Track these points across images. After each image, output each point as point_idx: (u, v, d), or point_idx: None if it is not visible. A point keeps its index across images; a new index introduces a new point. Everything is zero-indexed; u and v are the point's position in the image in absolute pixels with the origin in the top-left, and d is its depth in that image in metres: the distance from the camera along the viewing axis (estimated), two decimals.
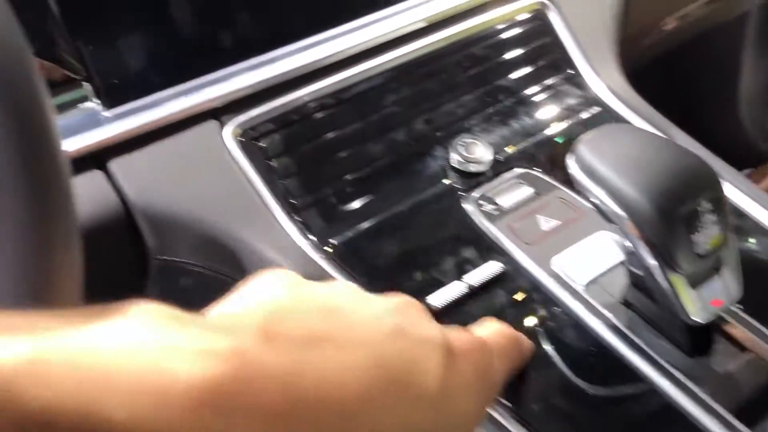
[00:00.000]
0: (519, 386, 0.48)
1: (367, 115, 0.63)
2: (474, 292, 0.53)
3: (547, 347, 0.50)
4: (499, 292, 0.53)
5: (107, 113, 0.57)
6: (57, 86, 0.57)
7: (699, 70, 1.22)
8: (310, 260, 0.56)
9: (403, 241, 0.57)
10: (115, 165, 0.56)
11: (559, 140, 0.66)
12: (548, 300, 0.53)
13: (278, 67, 0.61)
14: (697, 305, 0.46)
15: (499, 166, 0.63)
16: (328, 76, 0.63)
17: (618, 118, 0.68)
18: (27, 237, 0.30)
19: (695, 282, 0.46)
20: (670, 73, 1.17)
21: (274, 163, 0.59)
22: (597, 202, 0.47)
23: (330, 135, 0.61)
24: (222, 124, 0.59)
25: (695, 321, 0.46)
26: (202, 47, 0.60)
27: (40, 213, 0.30)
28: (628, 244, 0.47)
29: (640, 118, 0.67)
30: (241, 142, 0.59)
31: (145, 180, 0.56)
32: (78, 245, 0.33)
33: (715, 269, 0.47)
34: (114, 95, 0.57)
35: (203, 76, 0.59)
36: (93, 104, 0.57)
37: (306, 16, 0.63)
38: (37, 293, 0.31)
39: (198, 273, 0.58)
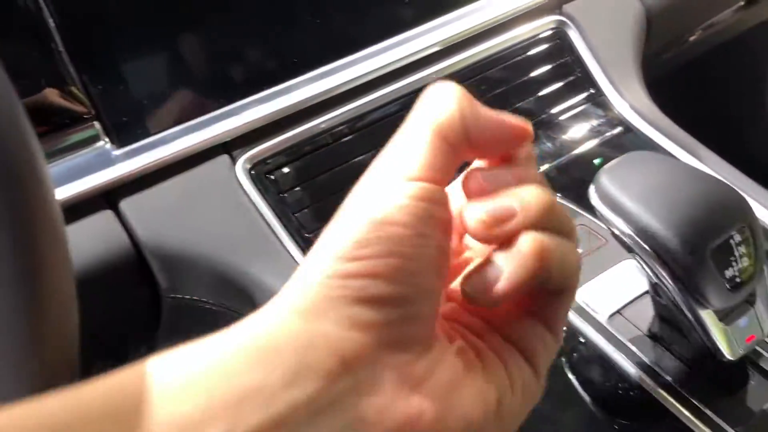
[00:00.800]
0: (545, 423, 0.46)
1: (383, 143, 0.61)
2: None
3: (573, 383, 0.48)
4: None
5: (117, 152, 0.56)
6: (69, 125, 0.56)
7: (724, 79, 1.19)
8: None
9: None
10: (126, 204, 0.55)
11: (597, 162, 0.64)
12: (572, 333, 0.51)
13: (289, 98, 0.60)
14: (729, 341, 0.44)
15: None
16: (342, 105, 0.62)
17: (642, 138, 0.65)
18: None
19: (727, 317, 0.44)
20: (693, 83, 1.14)
21: (287, 197, 0.58)
22: (620, 235, 0.45)
23: (344, 165, 0.60)
24: (233, 159, 0.58)
25: (728, 358, 0.44)
26: (210, 82, 0.59)
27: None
28: (653, 277, 0.45)
29: (665, 138, 0.65)
30: (252, 176, 0.58)
31: (156, 219, 0.55)
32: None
33: (749, 302, 0.45)
34: (124, 133, 0.56)
35: (213, 111, 0.58)
36: (103, 143, 0.56)
37: (317, 45, 0.62)
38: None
39: (211, 311, 0.57)
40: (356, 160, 0.60)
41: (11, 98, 0.30)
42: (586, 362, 0.50)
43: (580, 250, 0.56)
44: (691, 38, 0.88)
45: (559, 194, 0.60)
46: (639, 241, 0.43)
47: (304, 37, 0.61)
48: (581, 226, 0.57)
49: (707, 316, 0.43)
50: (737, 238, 0.42)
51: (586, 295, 0.53)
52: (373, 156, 0.63)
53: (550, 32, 0.70)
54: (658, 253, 0.42)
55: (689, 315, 0.43)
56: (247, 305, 0.55)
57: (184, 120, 0.57)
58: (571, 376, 0.49)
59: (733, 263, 0.42)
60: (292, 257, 0.56)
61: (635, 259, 0.49)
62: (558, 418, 0.48)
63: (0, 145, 0.29)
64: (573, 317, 0.51)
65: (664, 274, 0.43)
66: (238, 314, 0.56)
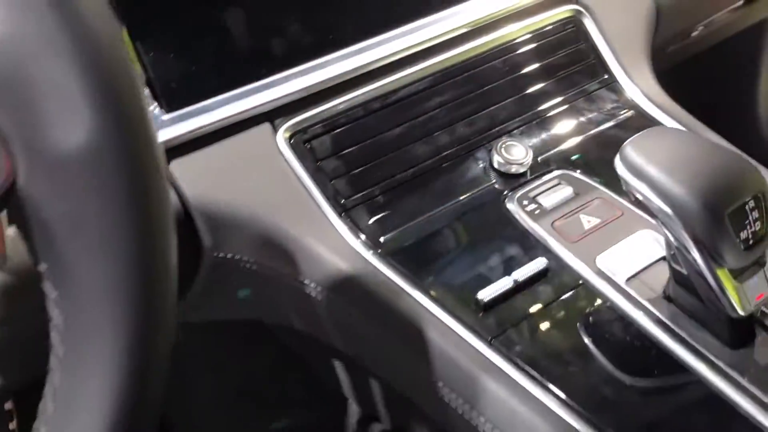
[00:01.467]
0: (568, 376, 0.50)
1: (412, 118, 0.65)
2: (521, 288, 0.55)
3: (593, 339, 0.52)
4: (544, 287, 0.55)
5: (166, 116, 0.59)
6: None
7: (718, 76, 1.24)
8: (361, 258, 0.58)
9: (450, 240, 0.60)
10: (174, 166, 0.58)
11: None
12: (592, 294, 0.55)
13: (327, 72, 0.63)
14: (741, 299, 0.48)
15: (538, 168, 0.65)
16: (375, 81, 0.65)
17: (653, 122, 0.70)
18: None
19: (739, 276, 0.48)
20: (690, 78, 1.19)
21: (323, 164, 0.61)
22: (645, 201, 0.49)
23: (376, 137, 0.64)
24: (275, 127, 0.62)
25: (739, 314, 0.48)
26: (256, 52, 0.62)
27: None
28: (672, 240, 0.49)
29: (675, 122, 0.69)
30: (292, 144, 0.61)
31: (203, 180, 0.58)
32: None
33: (759, 263, 0.49)
34: (172, 99, 0.59)
35: (257, 81, 0.61)
36: (153, 107, 0.59)
37: (353, 23, 0.65)
38: None
39: (251, 270, 0.60)
40: (385, 134, 0.64)
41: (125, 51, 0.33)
42: (606, 321, 0.54)
43: (599, 220, 0.60)
44: (693, 34, 0.93)
45: (578, 170, 0.64)
46: (662, 205, 0.47)
47: (342, 15, 0.65)
48: (598, 198, 0.62)
49: (723, 275, 0.48)
50: (751, 204, 0.47)
51: (604, 261, 0.57)
52: (403, 130, 0.66)
53: (566, 20, 0.74)
54: (679, 216, 0.47)
55: (707, 273, 0.48)
56: (288, 265, 0.59)
57: (230, 89, 0.61)
58: (589, 335, 0.53)
59: (747, 226, 0.47)
60: (329, 220, 0.59)
61: (656, 223, 0.53)
62: (577, 376, 0.51)
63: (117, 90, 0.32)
64: (592, 280, 0.56)
65: (685, 235, 0.47)
66: (277, 273, 0.60)
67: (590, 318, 0.54)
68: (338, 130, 0.63)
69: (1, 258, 0.38)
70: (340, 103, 0.64)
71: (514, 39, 0.71)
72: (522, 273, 0.55)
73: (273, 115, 0.62)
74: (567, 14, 0.74)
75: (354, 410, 0.77)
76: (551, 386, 0.49)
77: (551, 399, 0.48)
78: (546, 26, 0.73)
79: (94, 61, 0.31)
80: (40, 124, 0.30)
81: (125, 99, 0.33)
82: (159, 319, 0.34)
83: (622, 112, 0.71)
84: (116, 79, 0.32)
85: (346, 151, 0.62)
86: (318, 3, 0.64)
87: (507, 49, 0.70)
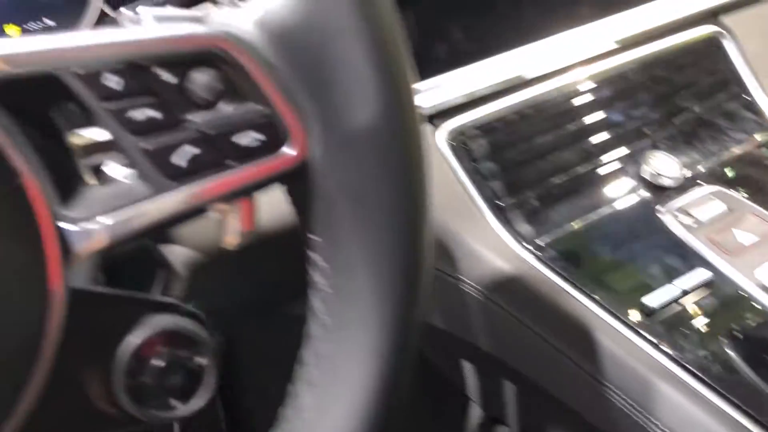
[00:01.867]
0: (742, 385, 0.50)
1: (563, 126, 0.66)
2: (686, 295, 0.56)
3: (762, 350, 0.53)
4: (708, 298, 0.56)
5: None
6: None
7: None
8: (520, 258, 0.59)
9: (605, 245, 0.61)
10: None
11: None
12: (756, 306, 0.55)
13: (486, 78, 0.65)
14: None
15: (687, 182, 0.66)
16: (528, 88, 0.67)
17: None
18: None
19: None
20: None
21: (480, 166, 0.63)
22: None
23: (529, 142, 0.65)
24: (435, 128, 0.63)
25: None
26: (418, 56, 0.64)
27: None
28: None
29: None
30: (452, 145, 0.63)
31: None
32: None
33: None
34: None
35: (419, 83, 0.63)
36: None
37: (509, 32, 0.67)
38: None
39: None
40: (538, 139, 0.65)
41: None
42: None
43: (756, 237, 0.60)
44: None
45: (728, 187, 0.65)
46: None
47: (499, 24, 0.67)
48: (752, 215, 0.62)
49: None
50: None
51: (764, 275, 0.57)
52: (555, 137, 0.67)
53: (707, 40, 0.75)
54: None
55: None
56: (444, 260, 0.60)
57: None
58: (757, 346, 0.53)
59: None
60: (487, 221, 0.61)
61: None
62: (751, 385, 0.51)
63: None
64: (754, 293, 0.56)
65: None
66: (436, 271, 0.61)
67: (757, 329, 0.54)
68: (494, 134, 0.64)
69: (249, 234, 0.40)
70: (497, 109, 0.65)
71: (658, 56, 0.72)
72: (687, 282, 0.56)
73: (434, 116, 0.64)
74: (707, 35, 0.75)
75: (475, 412, 0.78)
76: (728, 393, 0.49)
77: (729, 406, 0.49)
78: (687, 45, 0.74)
79: (383, 44, 0.33)
80: (337, 102, 0.32)
81: (404, 81, 0.34)
82: (418, 293, 0.35)
83: (764, 133, 0.71)
84: (398, 62, 0.34)
85: (502, 154, 0.64)
86: (479, 9, 0.66)
87: (651, 65, 0.72)
